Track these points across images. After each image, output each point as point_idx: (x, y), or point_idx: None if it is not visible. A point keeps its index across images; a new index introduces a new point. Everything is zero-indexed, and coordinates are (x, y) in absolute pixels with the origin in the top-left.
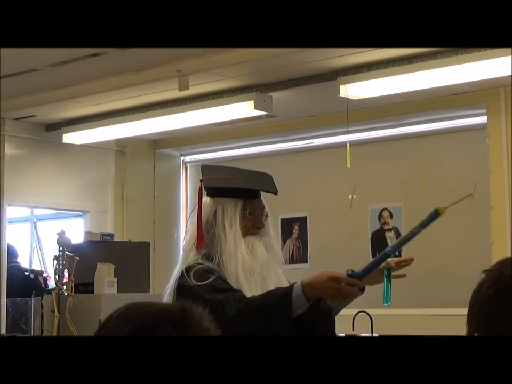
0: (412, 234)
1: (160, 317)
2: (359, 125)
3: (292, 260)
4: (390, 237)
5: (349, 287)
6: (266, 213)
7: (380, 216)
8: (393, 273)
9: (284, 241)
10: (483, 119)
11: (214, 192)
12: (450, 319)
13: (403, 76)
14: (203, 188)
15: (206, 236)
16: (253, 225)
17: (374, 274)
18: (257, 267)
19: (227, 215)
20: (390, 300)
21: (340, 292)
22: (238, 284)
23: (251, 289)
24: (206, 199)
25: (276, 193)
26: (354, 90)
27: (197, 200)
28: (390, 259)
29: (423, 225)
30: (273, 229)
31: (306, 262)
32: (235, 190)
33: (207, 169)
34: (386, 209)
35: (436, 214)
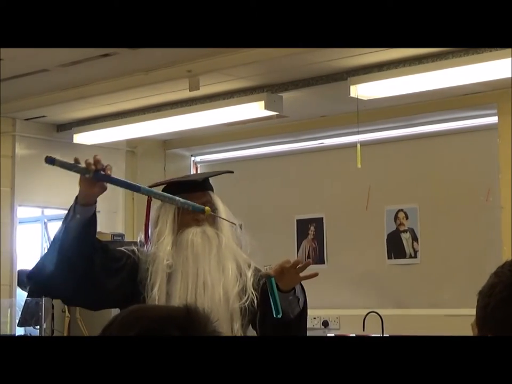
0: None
1: (166, 320)
2: (369, 125)
3: None
4: (406, 238)
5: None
6: (214, 206)
7: (396, 217)
8: (303, 275)
9: (300, 242)
10: (493, 119)
11: None
12: (461, 320)
13: (414, 76)
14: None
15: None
16: (192, 218)
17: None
18: (175, 259)
19: (164, 213)
20: (279, 312)
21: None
22: (155, 277)
23: (173, 279)
24: (158, 203)
25: (196, 185)
26: (365, 90)
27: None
28: (269, 269)
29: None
30: (224, 222)
31: (324, 263)
32: (169, 187)
33: None
34: (401, 210)
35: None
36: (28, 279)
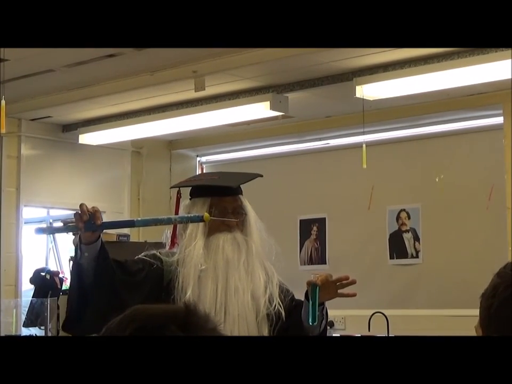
0: (169, 221)
1: (165, 317)
2: (375, 125)
3: (311, 261)
4: (408, 238)
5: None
6: (245, 211)
7: (398, 217)
8: (341, 292)
9: (302, 242)
10: (499, 120)
11: (190, 193)
12: (466, 320)
13: (419, 76)
14: (180, 191)
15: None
16: (222, 222)
17: (327, 291)
18: (207, 263)
19: (193, 214)
20: (316, 320)
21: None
22: (187, 279)
23: (203, 283)
24: (186, 201)
25: (230, 190)
26: (371, 90)
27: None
28: (316, 276)
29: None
30: (258, 227)
31: (325, 263)
32: (201, 188)
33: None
34: (404, 210)
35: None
36: (66, 330)
